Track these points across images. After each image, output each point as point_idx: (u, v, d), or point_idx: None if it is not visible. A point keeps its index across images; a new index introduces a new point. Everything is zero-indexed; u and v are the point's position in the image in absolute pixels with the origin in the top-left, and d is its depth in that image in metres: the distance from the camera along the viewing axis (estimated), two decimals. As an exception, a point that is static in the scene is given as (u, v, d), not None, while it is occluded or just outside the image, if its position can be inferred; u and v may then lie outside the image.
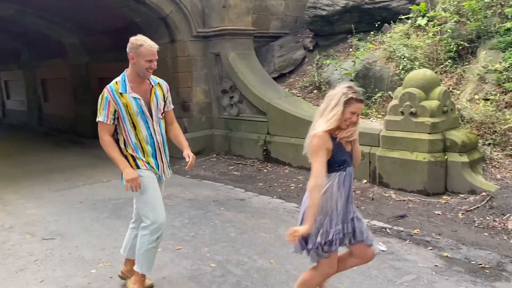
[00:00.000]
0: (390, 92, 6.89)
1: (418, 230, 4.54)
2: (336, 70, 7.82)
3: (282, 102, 7.72)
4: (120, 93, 3.16)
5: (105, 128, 3.22)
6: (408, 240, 4.34)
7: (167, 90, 3.42)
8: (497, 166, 5.53)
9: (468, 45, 6.88)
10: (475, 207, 4.87)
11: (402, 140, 5.69)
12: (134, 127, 3.22)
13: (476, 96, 6.19)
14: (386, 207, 5.30)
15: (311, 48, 9.24)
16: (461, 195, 5.28)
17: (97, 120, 3.21)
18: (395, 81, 6.96)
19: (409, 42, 7.20)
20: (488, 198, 4.89)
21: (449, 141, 5.48)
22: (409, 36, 7.42)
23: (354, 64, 7.46)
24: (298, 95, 8.27)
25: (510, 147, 5.62)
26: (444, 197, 5.36)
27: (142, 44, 3.10)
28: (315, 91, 8.16)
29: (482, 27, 6.83)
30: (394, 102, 5.92)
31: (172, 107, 3.54)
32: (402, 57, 6.98)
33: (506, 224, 4.44)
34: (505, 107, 5.93)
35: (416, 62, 6.86)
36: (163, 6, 8.23)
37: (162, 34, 8.69)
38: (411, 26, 7.55)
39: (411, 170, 5.54)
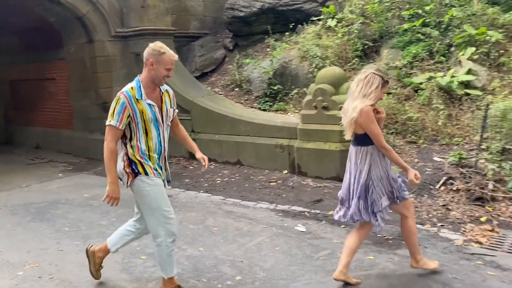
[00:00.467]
0: (305, 89, 7.37)
1: (332, 212, 4.99)
2: (255, 69, 8.20)
3: (205, 100, 7.93)
4: (137, 99, 3.16)
5: (114, 132, 3.17)
6: (324, 221, 4.81)
7: (173, 97, 3.45)
8: (399, 152, 6.19)
9: (373, 45, 7.59)
10: (381, 188, 5.45)
11: (316, 132, 6.18)
12: (146, 133, 3.22)
13: (380, 90, 6.86)
14: (304, 193, 5.75)
15: (231, 48, 9.56)
16: (370, 179, 5.86)
17: (107, 123, 3.15)
18: (309, 78, 7.48)
19: (320, 42, 7.76)
20: (391, 180, 5.49)
21: (358, 131, 6.05)
22: (321, 36, 8.00)
23: (272, 63, 7.91)
24: (220, 93, 8.54)
25: (409, 135, 6.33)
26: (355, 182, 5.91)
27: (164, 52, 3.12)
28: (237, 89, 8.48)
29: (384, 28, 7.58)
30: (308, 97, 6.40)
31: (177, 111, 3.55)
32: (315, 56, 7.51)
33: (406, 202, 5.06)
34: (405, 100, 6.66)
35: (327, 61, 7.42)
36: (79, 6, 8.08)
37: (79, 34, 8.52)
38: (322, 27, 8.15)
39: (325, 159, 6.05)
